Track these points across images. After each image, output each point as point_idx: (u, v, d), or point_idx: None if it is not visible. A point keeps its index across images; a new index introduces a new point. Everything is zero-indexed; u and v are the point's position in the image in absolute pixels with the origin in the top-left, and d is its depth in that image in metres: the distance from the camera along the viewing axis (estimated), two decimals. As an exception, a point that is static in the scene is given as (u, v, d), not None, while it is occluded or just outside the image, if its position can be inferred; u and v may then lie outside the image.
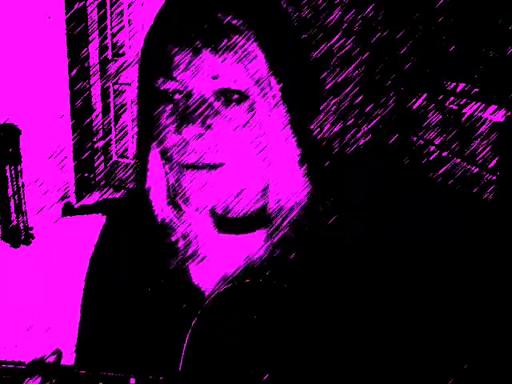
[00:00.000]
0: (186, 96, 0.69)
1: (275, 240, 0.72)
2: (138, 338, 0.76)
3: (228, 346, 0.70)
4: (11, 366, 0.63)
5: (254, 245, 0.74)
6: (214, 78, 0.67)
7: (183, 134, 0.68)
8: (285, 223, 0.72)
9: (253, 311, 0.70)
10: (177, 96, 0.70)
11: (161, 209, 0.76)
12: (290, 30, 0.75)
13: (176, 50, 0.68)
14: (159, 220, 0.76)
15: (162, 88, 0.70)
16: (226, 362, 0.70)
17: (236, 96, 0.68)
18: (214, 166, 0.69)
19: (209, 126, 0.68)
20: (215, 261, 0.76)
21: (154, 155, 0.75)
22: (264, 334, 0.70)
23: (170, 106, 0.70)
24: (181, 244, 0.76)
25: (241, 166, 0.70)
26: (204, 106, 0.68)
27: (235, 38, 0.67)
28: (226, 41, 0.67)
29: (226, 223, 0.75)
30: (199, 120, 0.68)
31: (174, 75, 0.68)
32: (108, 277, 0.82)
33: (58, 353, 0.67)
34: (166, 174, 0.74)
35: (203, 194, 0.70)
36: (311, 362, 0.69)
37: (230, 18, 0.67)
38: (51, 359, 0.66)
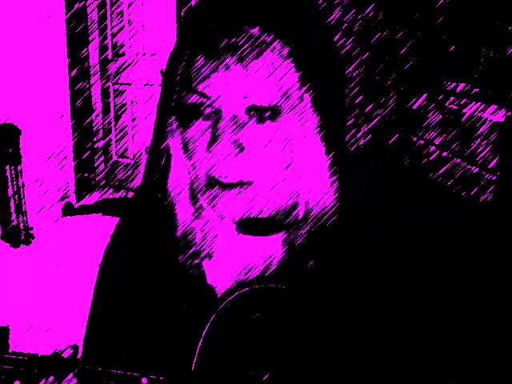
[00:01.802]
0: (215, 113, 0.67)
1: (294, 243, 0.72)
2: (148, 336, 0.76)
3: (242, 348, 0.70)
4: (25, 358, 0.64)
5: (271, 247, 0.74)
6: (245, 97, 0.65)
7: (213, 152, 0.66)
8: (307, 228, 0.71)
9: (268, 315, 0.70)
10: (207, 110, 0.68)
11: (180, 207, 0.75)
12: (324, 37, 0.72)
13: (204, 64, 0.66)
14: (178, 219, 0.75)
15: (190, 101, 0.68)
16: (239, 364, 0.70)
17: (268, 113, 0.66)
18: (242, 184, 0.68)
19: (240, 145, 0.67)
20: (231, 262, 0.75)
21: (177, 152, 0.73)
22: (279, 338, 0.69)
23: (199, 120, 0.69)
24: (198, 243, 0.75)
25: (270, 182, 0.68)
26: (235, 124, 0.66)
27: (266, 52, 0.65)
28: (256, 55, 0.65)
29: (247, 225, 0.74)
30: (230, 139, 0.66)
31: (203, 91, 0.67)
32: (121, 275, 0.82)
33: (75, 348, 0.67)
34: (189, 172, 0.73)
35: (230, 209, 0.69)
36: (324, 364, 0.69)
37: (260, 31, 0.65)
38: (66, 354, 0.66)
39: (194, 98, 0.68)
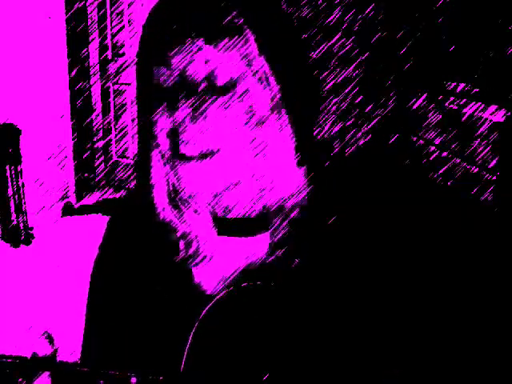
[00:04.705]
0: (178, 81, 0.69)
1: (277, 242, 0.72)
2: (138, 336, 0.76)
3: (230, 348, 0.70)
4: (15, 360, 0.63)
5: (255, 247, 0.74)
6: (206, 61, 0.67)
7: (175, 117, 0.68)
8: (285, 224, 0.72)
9: (255, 314, 0.70)
10: (170, 82, 0.69)
11: (162, 208, 0.76)
12: (290, 29, 0.74)
13: (172, 39, 0.68)
14: (161, 219, 0.76)
15: (157, 77, 0.70)
16: (227, 363, 0.70)
17: (228, 81, 0.68)
18: (206, 155, 0.68)
19: (201, 111, 0.68)
20: (216, 262, 0.76)
21: (156, 154, 0.75)
22: (266, 337, 0.70)
23: (164, 104, 0.70)
24: (181, 244, 0.76)
25: (235, 153, 0.69)
26: (195, 90, 0.68)
27: (234, 35, 0.67)
28: (223, 36, 0.67)
29: (226, 225, 0.75)
30: (191, 104, 0.68)
31: (168, 61, 0.69)
32: (112, 277, 0.82)
33: (55, 349, 0.67)
34: (167, 174, 0.74)
35: (199, 186, 0.70)
36: (315, 364, 0.69)
37: (230, 15, 0.67)
38: (42, 353, 0.66)
39: (161, 71, 0.70)
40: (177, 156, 0.70)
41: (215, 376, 0.70)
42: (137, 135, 0.80)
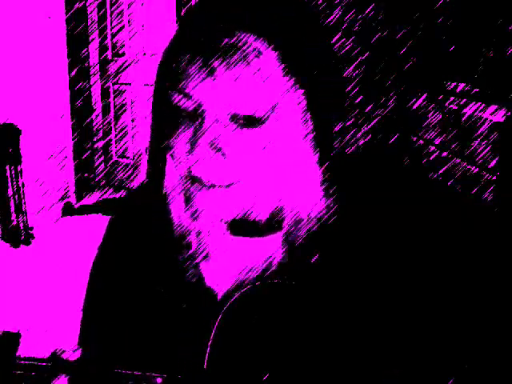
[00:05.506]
0: (199, 115, 0.67)
1: (293, 244, 0.72)
2: (138, 336, 0.76)
3: (251, 346, 0.70)
4: (34, 362, 0.63)
5: (270, 248, 0.74)
6: (229, 100, 0.65)
7: (194, 155, 0.66)
8: (301, 227, 0.71)
9: (274, 313, 0.70)
10: (190, 110, 0.68)
11: (176, 208, 0.75)
12: (321, 42, 0.71)
13: (192, 67, 0.66)
14: (173, 219, 0.75)
15: (176, 103, 0.68)
16: (250, 361, 0.70)
17: (251, 120, 0.66)
18: (222, 186, 0.67)
19: (220, 150, 0.66)
20: (229, 263, 0.75)
21: (169, 158, 0.73)
22: (285, 336, 0.70)
23: (183, 124, 0.69)
24: (194, 244, 0.75)
25: (253, 184, 0.68)
26: (216, 128, 0.66)
27: (255, 59, 0.64)
28: (244, 62, 0.64)
29: (240, 226, 0.74)
30: (210, 142, 0.66)
31: (189, 92, 0.67)
32: (111, 277, 0.81)
33: (80, 350, 0.66)
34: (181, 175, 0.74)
35: (212, 209, 0.69)
36: (316, 363, 0.69)
37: (251, 37, 0.64)
38: (73, 356, 0.65)
39: (179, 99, 0.68)
40: (192, 180, 0.69)
41: (239, 373, 0.70)
42: (137, 135, 0.79)
